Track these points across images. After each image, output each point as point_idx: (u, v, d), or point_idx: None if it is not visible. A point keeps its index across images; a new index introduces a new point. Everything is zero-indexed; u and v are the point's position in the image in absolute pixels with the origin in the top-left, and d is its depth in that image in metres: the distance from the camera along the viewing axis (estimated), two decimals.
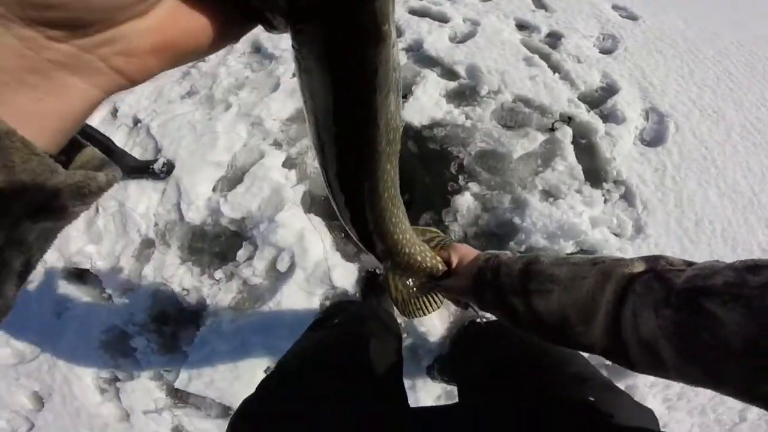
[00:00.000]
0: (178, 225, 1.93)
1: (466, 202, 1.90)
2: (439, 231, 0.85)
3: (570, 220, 1.82)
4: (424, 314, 0.80)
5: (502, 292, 0.62)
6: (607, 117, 2.19)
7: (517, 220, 1.85)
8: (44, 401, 1.70)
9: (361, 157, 0.42)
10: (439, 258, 0.77)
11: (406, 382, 1.86)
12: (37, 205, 0.21)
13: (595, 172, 2.00)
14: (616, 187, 1.97)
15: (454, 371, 1.51)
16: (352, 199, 0.51)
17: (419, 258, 0.71)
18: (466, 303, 0.82)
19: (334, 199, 0.52)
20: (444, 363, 1.64)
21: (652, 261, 0.51)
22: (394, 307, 0.87)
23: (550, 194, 1.93)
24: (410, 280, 0.77)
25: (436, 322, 1.78)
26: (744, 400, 0.40)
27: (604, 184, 1.98)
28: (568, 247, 1.78)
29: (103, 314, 1.75)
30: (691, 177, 2.05)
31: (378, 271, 1.84)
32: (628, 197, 1.96)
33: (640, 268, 0.51)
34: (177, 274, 1.84)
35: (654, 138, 2.18)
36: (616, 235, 1.85)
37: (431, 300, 0.82)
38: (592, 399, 0.63)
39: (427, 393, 1.73)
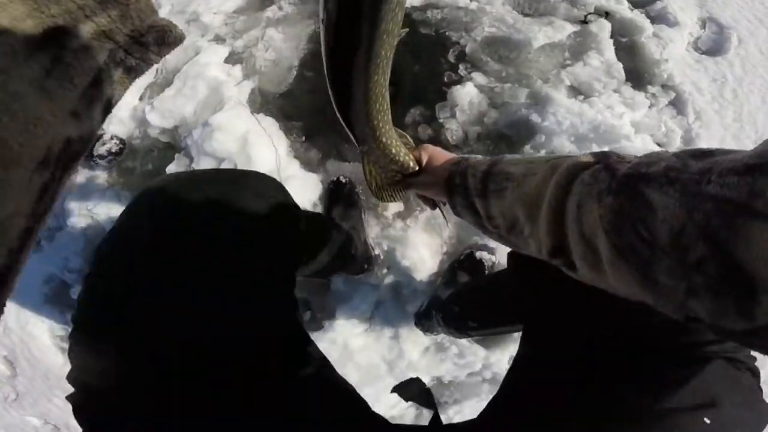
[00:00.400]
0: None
1: (467, 95, 1.41)
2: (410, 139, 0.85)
3: (607, 121, 1.34)
4: (394, 201, 0.86)
5: (468, 194, 0.60)
6: (655, 18, 1.70)
7: (535, 117, 1.36)
8: (15, 366, 1.56)
9: (364, 30, 0.49)
10: (411, 156, 0.79)
11: (387, 331, 1.41)
12: (134, 37, 0.29)
13: (637, 73, 1.52)
14: (665, 92, 1.50)
15: (467, 319, 1.10)
16: (344, 70, 0.56)
17: (393, 150, 0.73)
18: (434, 203, 0.86)
19: (327, 64, 0.57)
20: (447, 310, 1.19)
21: (602, 155, 0.47)
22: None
23: (579, 92, 1.45)
24: (382, 169, 0.79)
25: (424, 253, 1.30)
26: (678, 315, 0.35)
27: (649, 87, 1.51)
28: None
29: (37, 263, 1.50)
30: (755, 93, 1.61)
31: (343, 180, 1.35)
32: (678, 104, 1.50)
33: (590, 159, 0.47)
34: (104, 203, 1.49)
35: (712, 48, 1.70)
36: (659, 145, 1.40)
37: (400, 191, 0.85)
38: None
39: (413, 344, 1.37)
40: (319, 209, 1.39)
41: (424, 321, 1.31)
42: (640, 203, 0.36)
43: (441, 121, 1.41)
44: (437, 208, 0.90)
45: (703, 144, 1.43)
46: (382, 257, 1.38)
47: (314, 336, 1.48)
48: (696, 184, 0.33)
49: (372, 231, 1.37)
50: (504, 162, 0.59)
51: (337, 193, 1.36)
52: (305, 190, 1.39)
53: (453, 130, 1.39)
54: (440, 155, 0.79)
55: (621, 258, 0.38)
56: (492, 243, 1.28)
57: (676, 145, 1.43)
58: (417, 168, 0.81)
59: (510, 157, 0.61)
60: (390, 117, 0.67)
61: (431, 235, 1.32)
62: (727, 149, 0.36)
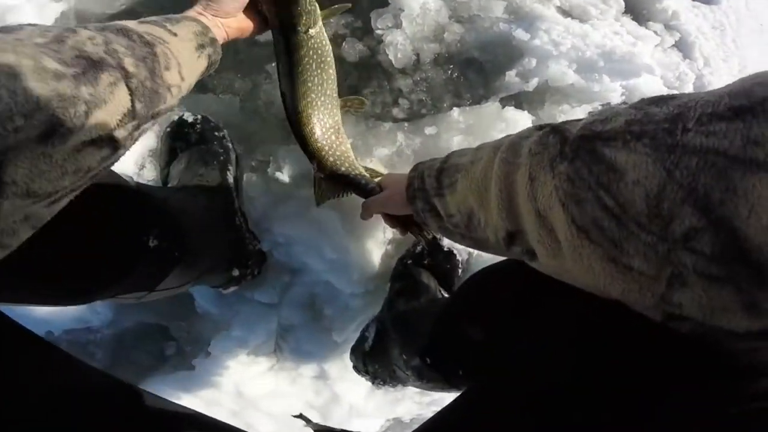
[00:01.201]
0: None
1: (418, 1, 0.91)
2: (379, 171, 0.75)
3: (622, 47, 0.91)
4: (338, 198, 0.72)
5: (428, 196, 0.54)
6: None
7: (520, 35, 0.89)
8: None
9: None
10: (373, 181, 0.71)
11: (307, 368, 0.82)
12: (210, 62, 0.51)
13: (635, 7, 1.16)
14: (669, 32, 1.15)
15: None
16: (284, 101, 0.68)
17: (344, 169, 0.70)
18: (403, 224, 0.70)
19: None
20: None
21: (546, 124, 0.39)
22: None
23: (570, 15, 1.03)
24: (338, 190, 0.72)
25: (355, 244, 0.75)
26: (656, 314, 0.28)
27: (650, 23, 1.15)
28: (611, 94, 0.87)
29: None
30: (753, 47, 1.36)
31: (190, 118, 0.76)
32: (683, 47, 1.16)
33: (532, 130, 0.40)
34: None
35: None
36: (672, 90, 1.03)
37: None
38: None
39: (353, 384, 0.88)
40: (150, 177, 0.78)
41: (369, 360, 0.75)
42: (601, 166, 0.29)
43: (379, 32, 0.88)
44: (408, 233, 0.71)
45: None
46: (278, 256, 0.79)
47: (183, 378, 0.92)
48: (669, 134, 0.26)
49: (256, 207, 0.79)
50: (455, 155, 0.53)
51: (180, 139, 0.77)
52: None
53: (398, 46, 0.87)
54: (400, 176, 0.66)
55: (582, 236, 0.30)
56: None
57: (689, 90, 1.07)
58: (376, 186, 0.71)
59: (461, 149, 0.54)
60: (339, 143, 0.68)
61: (370, 237, 0.77)
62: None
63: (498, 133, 0.77)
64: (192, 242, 0.63)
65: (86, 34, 0.37)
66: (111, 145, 0.37)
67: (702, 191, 0.24)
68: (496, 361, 0.49)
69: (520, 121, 0.81)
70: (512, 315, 0.50)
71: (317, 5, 0.62)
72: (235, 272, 0.76)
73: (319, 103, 0.64)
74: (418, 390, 0.84)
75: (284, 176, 0.74)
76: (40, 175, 0.31)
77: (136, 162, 0.81)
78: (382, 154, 0.77)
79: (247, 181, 0.78)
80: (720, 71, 1.19)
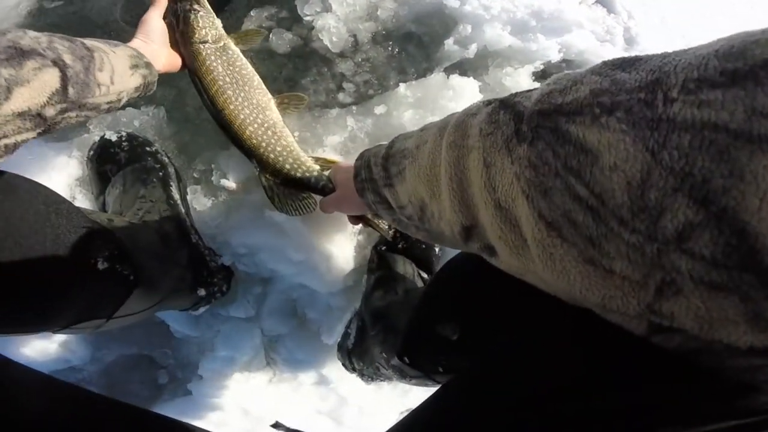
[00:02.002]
0: None
1: None
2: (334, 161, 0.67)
3: (549, 5, 0.91)
4: (300, 214, 0.65)
5: (377, 186, 0.47)
6: None
7: (451, 2, 0.85)
8: None
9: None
10: (326, 176, 0.66)
11: (306, 375, 0.78)
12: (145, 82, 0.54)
13: None
14: None
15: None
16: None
17: (288, 166, 0.65)
18: (365, 220, 0.63)
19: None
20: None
21: (492, 99, 0.33)
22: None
23: None
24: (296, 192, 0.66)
25: (324, 243, 0.69)
26: (639, 327, 0.23)
27: None
28: (548, 51, 0.87)
29: None
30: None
31: (114, 137, 0.68)
32: (605, 2, 1.18)
33: (480, 105, 0.34)
34: None
35: None
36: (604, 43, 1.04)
37: (308, 204, 0.66)
38: None
39: (354, 383, 0.80)
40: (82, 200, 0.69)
41: (354, 357, 0.70)
42: (568, 147, 0.23)
43: (308, 19, 0.82)
44: (370, 226, 0.65)
45: (648, 46, 1.11)
46: (244, 267, 0.72)
47: (184, 405, 0.86)
48: (647, 106, 0.20)
49: (207, 222, 0.71)
50: (400, 138, 0.46)
51: (109, 161, 0.68)
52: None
53: (331, 30, 0.81)
54: (349, 169, 0.57)
55: (553, 233, 0.24)
56: None
57: (620, 44, 1.09)
58: (331, 185, 0.64)
59: (408, 132, 0.47)
60: (285, 144, 0.64)
61: (342, 236, 0.70)
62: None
63: (447, 102, 0.73)
64: (147, 265, 0.58)
65: (33, 34, 0.42)
66: (38, 119, 0.41)
67: (699, 177, 0.18)
68: (473, 358, 0.44)
69: (467, 87, 0.78)
70: (485, 309, 0.46)
71: (211, 22, 0.66)
72: (201, 292, 0.68)
73: (240, 99, 0.63)
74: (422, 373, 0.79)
75: (231, 183, 0.67)
76: None
77: (64, 194, 0.71)
78: (335, 142, 0.71)
79: (193, 194, 0.70)
80: (645, 23, 1.23)
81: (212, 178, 0.68)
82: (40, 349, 0.77)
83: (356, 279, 0.73)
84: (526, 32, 0.86)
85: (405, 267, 0.72)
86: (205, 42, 0.64)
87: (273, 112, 0.65)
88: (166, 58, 0.61)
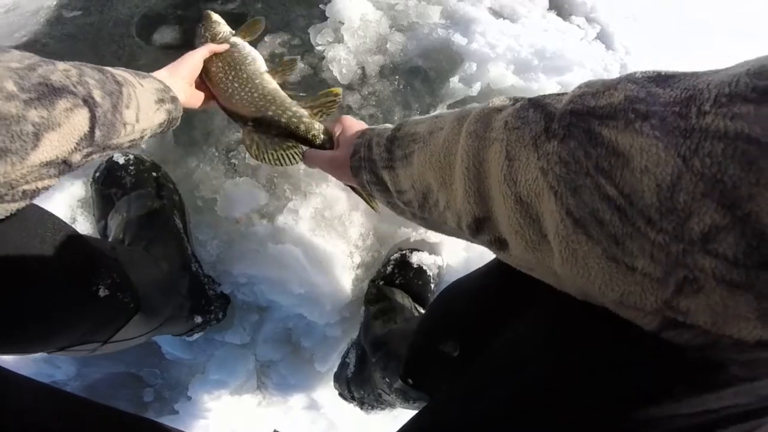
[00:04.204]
0: None
1: (358, 8, 0.84)
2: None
3: (553, 44, 0.89)
4: (281, 165, 0.57)
5: (375, 167, 0.45)
6: None
7: (459, 39, 0.84)
8: None
9: None
10: (318, 126, 0.58)
11: (297, 399, 0.66)
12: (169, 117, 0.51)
13: (557, 1, 1.16)
14: (590, 25, 1.16)
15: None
16: None
17: (283, 119, 0.57)
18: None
19: None
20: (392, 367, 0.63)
21: (520, 97, 0.33)
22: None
23: (501, 15, 1.00)
24: (279, 141, 0.59)
25: (322, 275, 0.67)
26: (652, 323, 0.23)
27: (572, 17, 1.15)
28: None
29: None
30: (663, 33, 1.41)
31: (121, 160, 0.66)
32: (604, 39, 1.18)
33: (505, 101, 0.33)
34: None
35: None
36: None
37: (291, 155, 0.58)
38: None
39: (344, 407, 0.77)
40: (84, 230, 0.67)
41: (353, 386, 0.69)
42: (600, 150, 0.23)
43: (320, 48, 0.80)
44: (358, 194, 0.57)
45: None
46: (242, 296, 0.71)
47: (169, 424, 0.79)
48: (681, 117, 0.21)
49: (209, 251, 0.69)
50: (410, 123, 0.43)
51: (114, 185, 0.66)
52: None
53: (341, 61, 0.80)
54: (357, 125, 0.54)
55: (579, 231, 0.24)
56: (434, 237, 0.71)
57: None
58: (328, 138, 0.57)
59: (419, 117, 0.45)
60: (270, 90, 0.58)
61: (329, 236, 0.70)
62: (690, 72, 0.23)
63: None
64: (148, 293, 0.55)
65: (62, 67, 0.38)
66: (63, 166, 0.38)
67: (730, 184, 0.19)
68: (473, 376, 0.42)
69: None
70: (483, 327, 0.45)
71: (218, 27, 0.63)
72: (198, 319, 0.66)
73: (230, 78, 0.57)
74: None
75: (235, 213, 0.65)
76: None
77: (65, 215, 0.69)
78: None
79: (195, 223, 0.68)
80: (641, 59, 1.22)
81: (216, 208, 0.66)
82: (23, 362, 0.72)
83: (353, 311, 0.72)
84: (528, 71, 0.86)
85: (403, 299, 0.71)
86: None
87: (262, 80, 0.59)
88: (187, 94, 0.57)
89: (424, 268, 0.69)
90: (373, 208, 0.56)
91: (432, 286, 0.71)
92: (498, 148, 0.30)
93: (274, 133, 0.57)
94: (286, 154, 0.56)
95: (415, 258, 0.69)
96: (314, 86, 0.77)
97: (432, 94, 0.83)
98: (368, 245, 0.73)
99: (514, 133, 0.29)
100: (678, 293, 0.21)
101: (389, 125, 0.47)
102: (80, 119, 0.38)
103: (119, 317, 0.53)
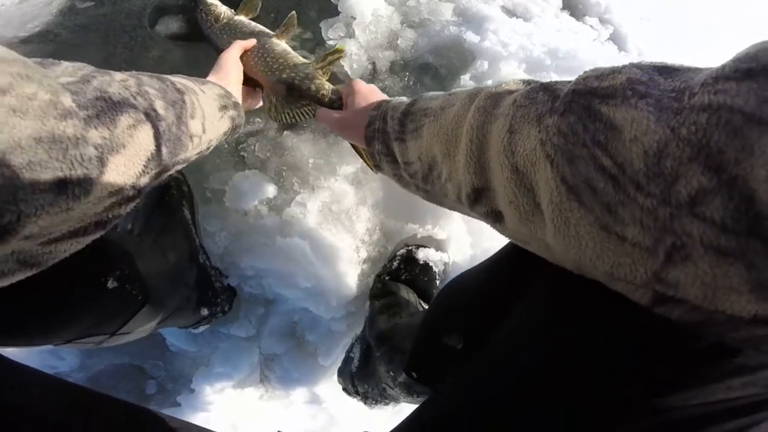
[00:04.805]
0: None
1: (370, 4, 0.84)
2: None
3: (566, 44, 0.88)
4: (296, 121, 0.62)
5: (387, 139, 0.46)
6: None
7: (471, 37, 0.83)
8: None
9: None
10: (328, 86, 0.62)
11: (298, 393, 0.67)
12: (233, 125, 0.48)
13: (571, 1, 1.15)
14: (604, 26, 1.15)
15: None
16: None
17: (296, 81, 0.61)
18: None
19: None
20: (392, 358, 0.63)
21: (533, 81, 0.34)
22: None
23: (514, 14, 0.99)
24: (293, 101, 0.63)
25: (328, 267, 0.66)
26: (644, 296, 0.23)
27: (586, 18, 1.14)
28: None
29: None
30: (679, 34, 1.39)
31: None
32: (617, 40, 1.16)
33: (519, 84, 0.34)
34: None
35: None
36: None
37: (306, 112, 0.62)
38: None
39: (346, 401, 0.77)
40: None
41: (357, 380, 0.69)
42: (598, 124, 0.24)
43: (332, 43, 0.80)
44: (359, 154, 0.59)
45: None
46: (249, 289, 0.70)
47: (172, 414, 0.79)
48: (675, 101, 0.22)
49: (217, 243, 0.69)
50: (424, 98, 0.45)
51: None
52: None
53: (352, 56, 0.79)
54: (370, 94, 0.55)
55: (572, 198, 0.25)
56: (441, 233, 0.70)
57: None
58: (337, 98, 0.60)
59: (433, 93, 0.45)
60: (283, 51, 0.63)
61: (336, 230, 0.69)
62: (693, 66, 0.24)
63: None
64: (156, 285, 0.55)
65: (119, 77, 0.34)
66: (133, 192, 0.33)
67: (715, 149, 0.19)
68: (476, 364, 0.42)
69: None
70: (487, 320, 0.45)
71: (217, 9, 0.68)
72: (204, 312, 0.66)
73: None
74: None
75: (244, 206, 0.64)
76: (53, 226, 0.28)
77: None
78: (348, 172, 0.69)
79: (204, 214, 0.68)
80: (654, 60, 1.22)
81: (225, 200, 0.66)
82: (27, 353, 0.72)
83: (358, 306, 0.71)
84: (540, 71, 0.84)
85: (408, 295, 0.70)
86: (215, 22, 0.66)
87: (272, 45, 0.63)
88: (242, 96, 0.55)
89: (431, 264, 0.68)
90: (370, 167, 0.58)
91: (437, 282, 0.70)
92: (502, 122, 0.30)
93: (288, 94, 0.61)
94: (300, 112, 0.60)
95: (422, 254, 0.68)
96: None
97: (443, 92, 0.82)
98: (375, 240, 0.73)
99: (520, 110, 0.30)
100: (667, 263, 0.21)
101: (404, 98, 0.49)
102: (145, 137, 0.33)
103: (127, 309, 0.53)
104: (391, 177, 0.48)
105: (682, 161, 0.20)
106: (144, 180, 0.33)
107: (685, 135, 0.20)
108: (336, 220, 0.67)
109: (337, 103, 0.60)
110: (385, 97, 0.57)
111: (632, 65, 0.26)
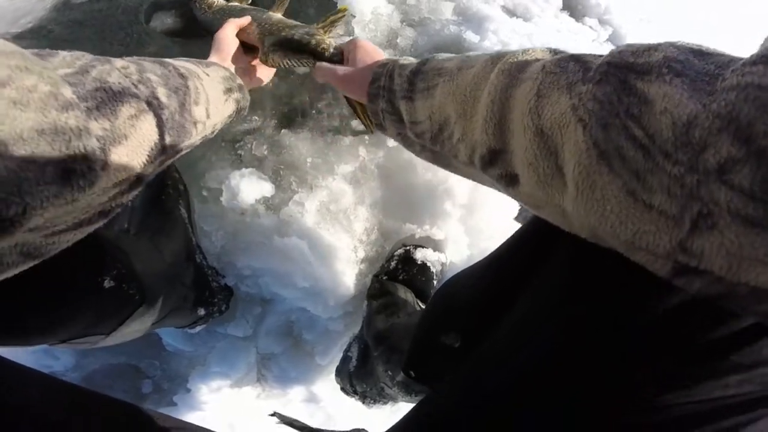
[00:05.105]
0: None
1: (370, 2, 0.83)
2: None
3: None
4: (295, 67, 0.61)
5: (393, 97, 0.45)
6: None
7: (470, 36, 0.83)
8: None
9: None
10: (329, 41, 0.60)
11: (295, 391, 0.66)
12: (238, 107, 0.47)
13: (570, 2, 1.14)
14: (603, 27, 1.14)
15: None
16: None
17: (296, 36, 0.60)
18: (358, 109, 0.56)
19: None
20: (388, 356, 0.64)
21: (563, 51, 0.33)
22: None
23: (514, 14, 0.98)
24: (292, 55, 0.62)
25: (325, 267, 0.66)
26: (665, 268, 0.23)
27: (585, 18, 1.13)
28: None
29: None
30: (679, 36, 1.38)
31: None
32: (616, 41, 1.16)
33: (545, 52, 0.34)
34: None
35: None
36: None
37: (305, 63, 0.60)
38: None
39: (344, 400, 0.77)
40: None
41: (356, 380, 0.69)
42: (632, 98, 0.24)
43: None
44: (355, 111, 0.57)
45: None
46: (246, 288, 0.70)
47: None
48: (708, 84, 0.22)
49: (213, 242, 0.68)
50: (437, 59, 0.43)
51: None
52: None
53: None
54: (374, 52, 0.54)
55: (603, 162, 0.25)
56: (439, 234, 0.70)
57: None
58: (337, 53, 0.58)
59: (446, 54, 0.44)
60: (281, 19, 0.62)
61: (334, 229, 0.69)
62: (727, 53, 0.25)
63: None
64: (152, 284, 0.54)
65: (119, 64, 0.34)
66: (136, 183, 0.33)
67: (744, 121, 0.20)
68: (475, 362, 0.43)
69: None
70: (484, 319, 0.45)
71: None
72: (201, 311, 0.65)
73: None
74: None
75: (241, 205, 0.64)
76: (58, 217, 0.28)
77: None
78: (346, 171, 0.68)
79: (200, 213, 0.67)
80: None
81: (221, 198, 0.65)
82: (22, 352, 0.72)
83: (355, 305, 0.71)
84: None
85: (405, 295, 0.70)
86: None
87: (269, 15, 0.63)
88: (245, 77, 0.54)
89: (428, 264, 0.68)
90: (367, 127, 0.57)
91: (435, 282, 0.70)
92: (530, 85, 0.30)
93: (288, 49, 0.60)
94: (300, 62, 0.59)
95: (420, 254, 0.68)
96: None
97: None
98: (372, 240, 0.72)
99: (549, 76, 0.29)
100: (692, 231, 0.21)
101: (413, 58, 0.47)
102: (147, 127, 0.33)
103: (124, 309, 0.52)
104: (394, 137, 0.47)
105: (711, 132, 0.21)
106: (148, 169, 0.33)
107: (716, 109, 0.21)
108: (334, 220, 0.67)
109: (337, 57, 0.58)
110: (385, 56, 0.55)
111: (669, 44, 0.26)
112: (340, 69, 0.54)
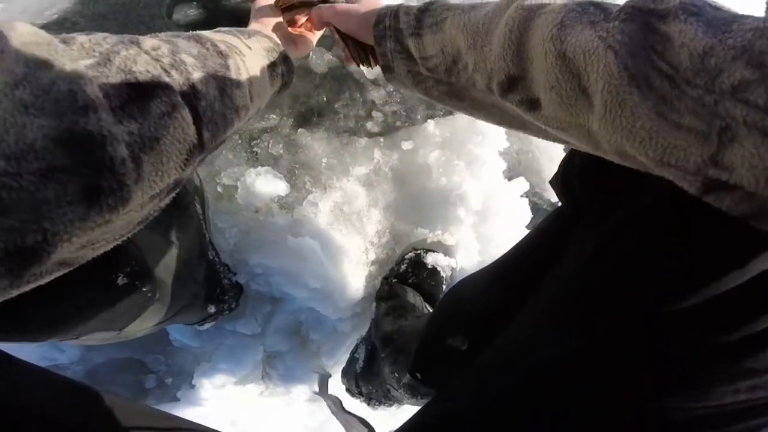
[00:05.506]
0: None
1: (387, 4, 0.84)
2: None
3: None
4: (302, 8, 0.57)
5: (401, 36, 0.44)
6: None
7: None
8: None
9: None
10: None
11: (299, 390, 0.66)
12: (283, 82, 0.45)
13: None
14: None
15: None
16: None
17: None
18: (358, 55, 0.53)
19: None
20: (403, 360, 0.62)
21: None
22: None
23: None
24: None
25: (336, 268, 0.66)
26: (696, 184, 0.24)
27: None
28: None
29: None
30: None
31: None
32: None
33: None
34: None
35: None
36: None
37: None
38: None
39: (348, 400, 0.67)
40: None
41: (362, 381, 0.69)
42: (656, 36, 0.26)
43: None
44: (362, 64, 0.54)
45: None
46: (257, 286, 0.70)
47: (168, 410, 0.78)
48: (723, 25, 0.24)
49: (227, 239, 0.69)
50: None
51: None
52: None
53: None
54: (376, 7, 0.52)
55: (633, 84, 0.25)
56: (451, 239, 0.70)
57: None
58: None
59: None
60: None
61: (347, 231, 0.69)
62: (740, 13, 0.25)
63: (475, 147, 0.71)
64: (166, 281, 0.54)
65: (149, 44, 0.29)
66: (173, 188, 0.29)
67: (757, 50, 0.21)
68: (482, 365, 0.43)
69: (492, 132, 0.76)
70: (490, 318, 0.46)
71: None
72: (211, 309, 0.65)
73: None
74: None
75: (255, 203, 0.64)
76: (95, 240, 0.25)
77: None
78: (360, 173, 0.69)
79: (215, 210, 0.67)
80: None
81: (236, 196, 0.65)
82: (28, 344, 0.73)
83: (364, 307, 0.71)
84: None
85: (414, 298, 0.70)
86: None
87: None
88: (289, 47, 0.49)
89: (438, 269, 0.68)
90: (368, 66, 0.54)
91: (444, 287, 0.70)
92: (552, 17, 0.30)
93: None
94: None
95: (430, 259, 0.68)
96: (340, 78, 0.76)
97: None
98: (383, 243, 0.72)
99: (572, 13, 0.30)
100: (721, 146, 0.22)
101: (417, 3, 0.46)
102: (183, 126, 0.28)
103: (137, 306, 0.52)
104: (404, 75, 0.46)
105: (726, 60, 0.22)
106: (186, 172, 0.30)
107: (731, 43, 0.22)
108: (347, 221, 0.67)
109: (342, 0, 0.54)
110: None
111: None
112: (340, 4, 0.51)
